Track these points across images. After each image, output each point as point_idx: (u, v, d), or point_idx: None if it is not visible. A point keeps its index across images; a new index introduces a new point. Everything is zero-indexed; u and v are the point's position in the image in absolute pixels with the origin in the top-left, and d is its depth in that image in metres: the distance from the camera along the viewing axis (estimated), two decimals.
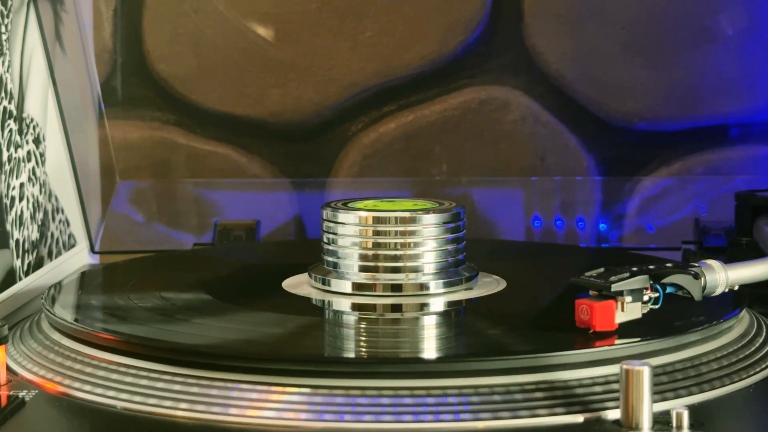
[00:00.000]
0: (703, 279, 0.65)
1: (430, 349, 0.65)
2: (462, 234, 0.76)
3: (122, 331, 0.65)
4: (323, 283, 0.75)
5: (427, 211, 0.75)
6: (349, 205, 0.77)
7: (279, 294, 0.76)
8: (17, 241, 0.84)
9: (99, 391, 0.61)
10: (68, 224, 0.97)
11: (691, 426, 0.54)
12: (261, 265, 0.90)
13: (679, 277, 0.64)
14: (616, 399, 0.55)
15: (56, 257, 0.93)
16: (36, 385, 0.63)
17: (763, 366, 0.65)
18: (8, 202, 0.83)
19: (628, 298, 0.62)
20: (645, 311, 0.63)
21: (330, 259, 0.75)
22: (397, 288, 0.73)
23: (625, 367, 0.54)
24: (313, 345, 0.67)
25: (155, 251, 1.02)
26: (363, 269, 0.74)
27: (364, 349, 0.66)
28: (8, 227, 0.83)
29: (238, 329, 0.67)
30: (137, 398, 0.59)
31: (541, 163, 1.07)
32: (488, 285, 0.77)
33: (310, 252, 0.79)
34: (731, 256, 0.87)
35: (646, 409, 0.54)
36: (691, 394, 0.60)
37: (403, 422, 0.56)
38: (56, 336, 0.68)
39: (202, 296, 0.75)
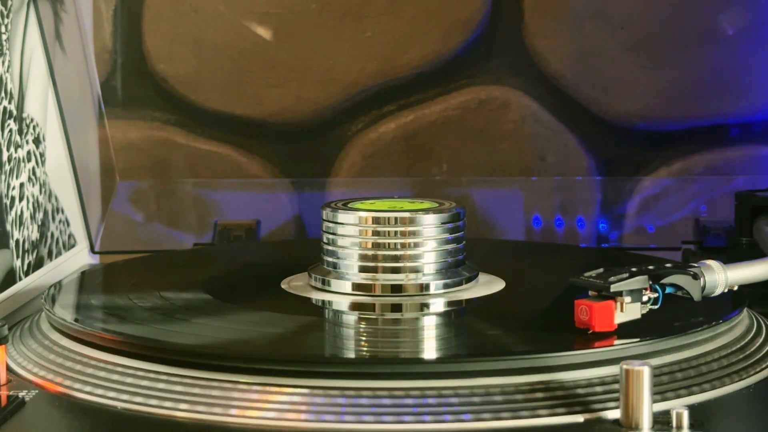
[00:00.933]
0: (702, 279, 0.65)
1: (430, 350, 0.65)
2: (462, 234, 0.75)
3: (122, 332, 0.65)
4: (323, 284, 0.75)
5: (426, 211, 0.75)
6: (348, 205, 0.77)
7: (279, 294, 0.76)
8: (17, 241, 0.84)
9: (99, 391, 0.61)
10: (68, 224, 0.97)
11: (691, 426, 0.54)
12: (261, 265, 0.90)
13: (679, 278, 0.64)
14: (616, 399, 0.55)
15: (56, 257, 0.93)
16: (36, 385, 0.63)
17: (763, 366, 0.65)
18: (8, 202, 0.83)
19: (628, 299, 0.62)
20: (644, 312, 0.63)
21: (330, 259, 0.75)
22: (396, 288, 0.73)
23: (625, 367, 0.54)
24: (313, 345, 0.67)
25: (155, 251, 1.02)
26: (363, 269, 0.74)
27: (364, 350, 0.66)
28: (8, 227, 0.83)
29: (238, 329, 0.67)
30: (137, 398, 0.59)
31: (541, 163, 1.07)
32: (488, 285, 0.77)
33: (310, 252, 0.79)
34: (731, 256, 0.87)
35: (646, 409, 0.54)
36: (691, 394, 0.60)
37: (403, 423, 0.56)
38: (56, 336, 0.68)
39: (202, 296, 0.75)
